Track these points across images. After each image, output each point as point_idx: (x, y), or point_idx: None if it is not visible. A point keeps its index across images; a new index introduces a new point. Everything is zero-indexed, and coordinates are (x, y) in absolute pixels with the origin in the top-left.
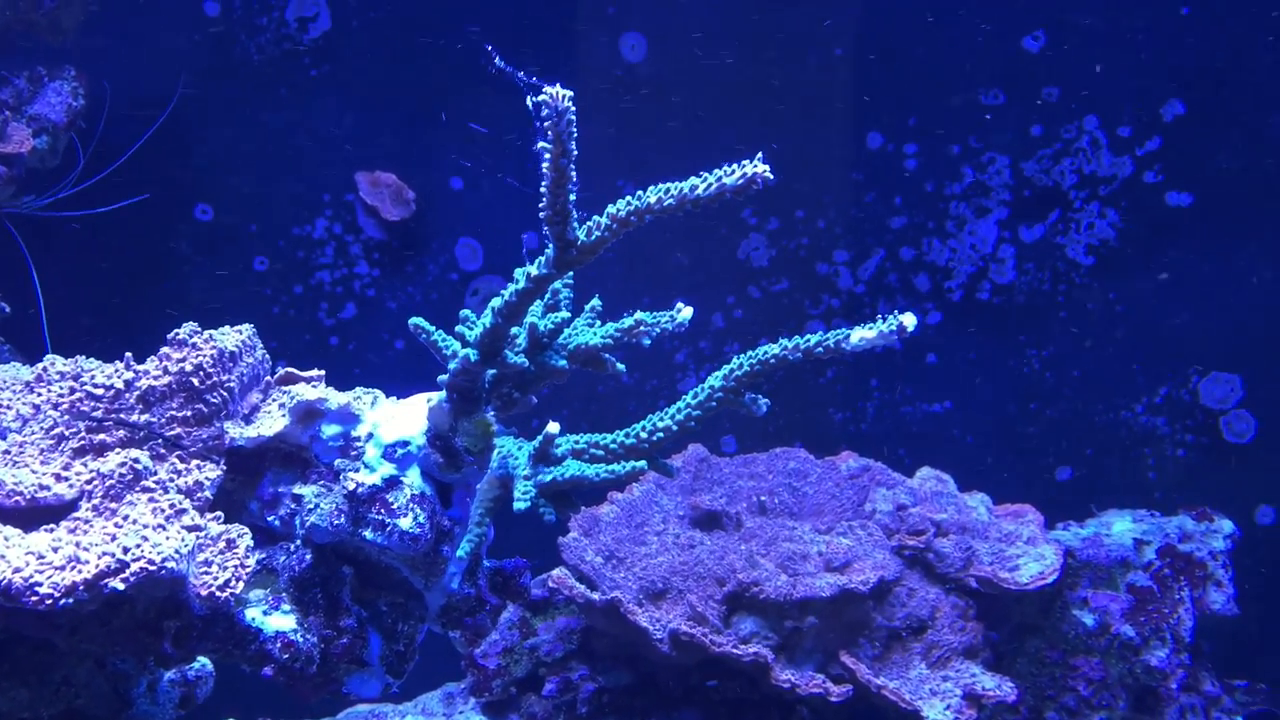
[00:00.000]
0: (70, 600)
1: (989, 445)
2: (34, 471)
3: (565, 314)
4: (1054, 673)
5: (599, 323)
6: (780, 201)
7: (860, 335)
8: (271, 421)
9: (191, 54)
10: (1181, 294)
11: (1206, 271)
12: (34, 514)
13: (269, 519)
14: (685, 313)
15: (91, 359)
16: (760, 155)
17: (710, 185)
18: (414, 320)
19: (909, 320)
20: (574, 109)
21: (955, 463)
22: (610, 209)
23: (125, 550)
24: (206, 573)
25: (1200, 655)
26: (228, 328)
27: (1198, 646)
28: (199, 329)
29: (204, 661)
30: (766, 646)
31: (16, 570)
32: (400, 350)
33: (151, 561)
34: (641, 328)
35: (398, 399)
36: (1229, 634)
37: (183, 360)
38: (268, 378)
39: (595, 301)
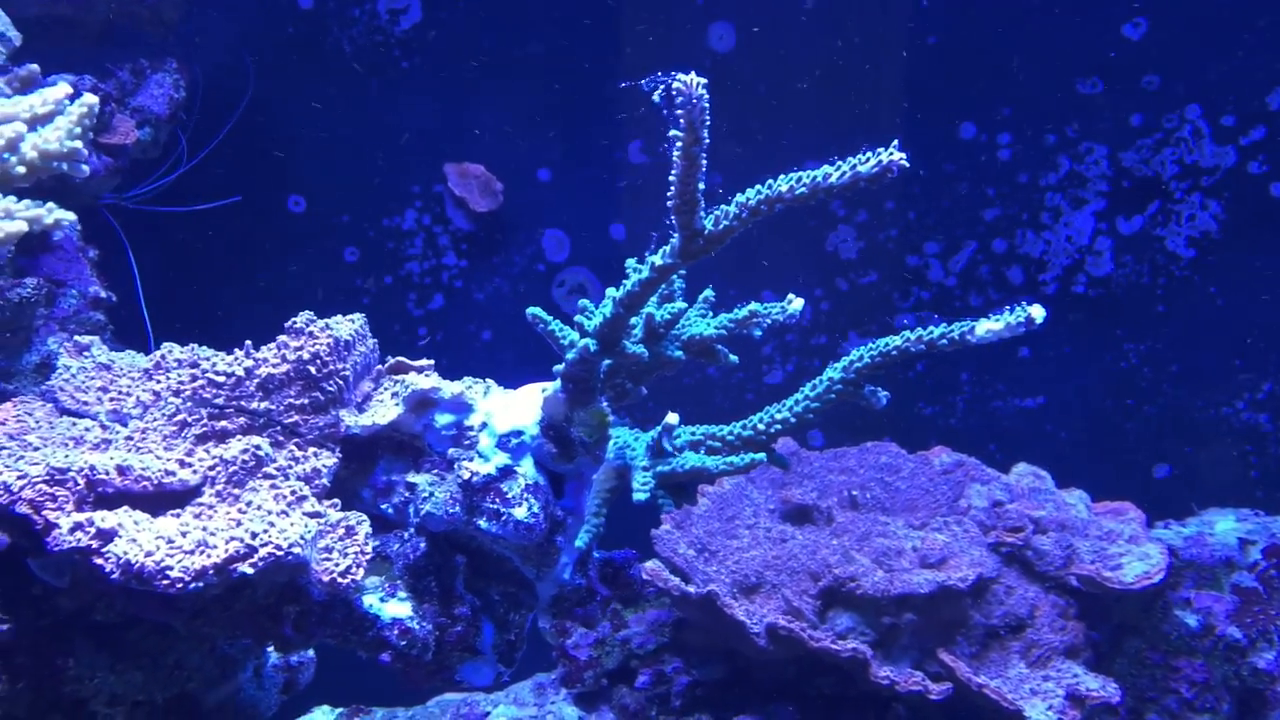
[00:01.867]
0: (200, 584)
1: (1084, 442)
2: (158, 457)
3: (681, 304)
4: (1155, 674)
5: (711, 313)
6: (870, 193)
7: (987, 327)
8: (385, 410)
9: (286, 46)
10: None
11: None
12: (159, 499)
13: (382, 506)
14: (796, 304)
15: (204, 347)
16: (896, 143)
17: (844, 174)
18: (532, 310)
19: (1038, 312)
20: (708, 97)
21: (1048, 459)
22: (740, 198)
23: (253, 535)
24: (327, 559)
25: None
26: (340, 316)
27: None
28: (314, 317)
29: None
30: (863, 642)
31: (148, 554)
32: (487, 341)
33: (279, 547)
34: (755, 318)
35: (508, 389)
36: None
37: (300, 348)
38: (378, 366)
39: (708, 292)
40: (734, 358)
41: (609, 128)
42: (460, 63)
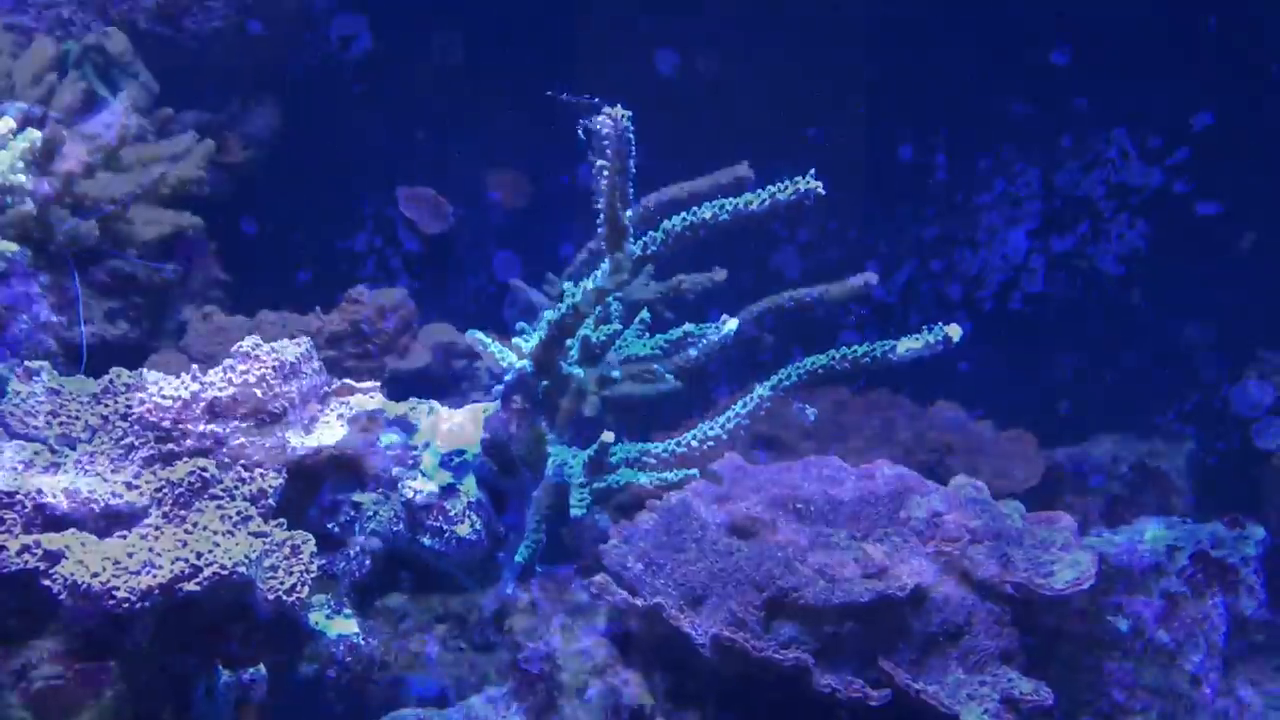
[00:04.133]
0: (145, 603)
1: None
2: (105, 480)
3: (617, 325)
4: (1087, 677)
5: (648, 334)
6: (812, 213)
7: (907, 345)
8: (331, 431)
9: (238, 71)
10: (1212, 303)
11: (1236, 280)
12: (107, 520)
13: (329, 525)
14: (730, 324)
15: (153, 371)
16: (812, 172)
17: (764, 201)
18: (471, 332)
19: (955, 331)
20: (632, 128)
21: None
22: (666, 224)
23: (198, 555)
24: (273, 577)
25: (1232, 660)
26: (287, 340)
27: (1230, 651)
28: (260, 341)
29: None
30: (806, 651)
31: (95, 575)
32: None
33: (224, 566)
34: (690, 339)
35: (451, 409)
36: (1260, 639)
37: (246, 372)
38: (325, 388)
39: (644, 314)
40: (670, 377)
41: (557, 150)
42: (410, 87)
